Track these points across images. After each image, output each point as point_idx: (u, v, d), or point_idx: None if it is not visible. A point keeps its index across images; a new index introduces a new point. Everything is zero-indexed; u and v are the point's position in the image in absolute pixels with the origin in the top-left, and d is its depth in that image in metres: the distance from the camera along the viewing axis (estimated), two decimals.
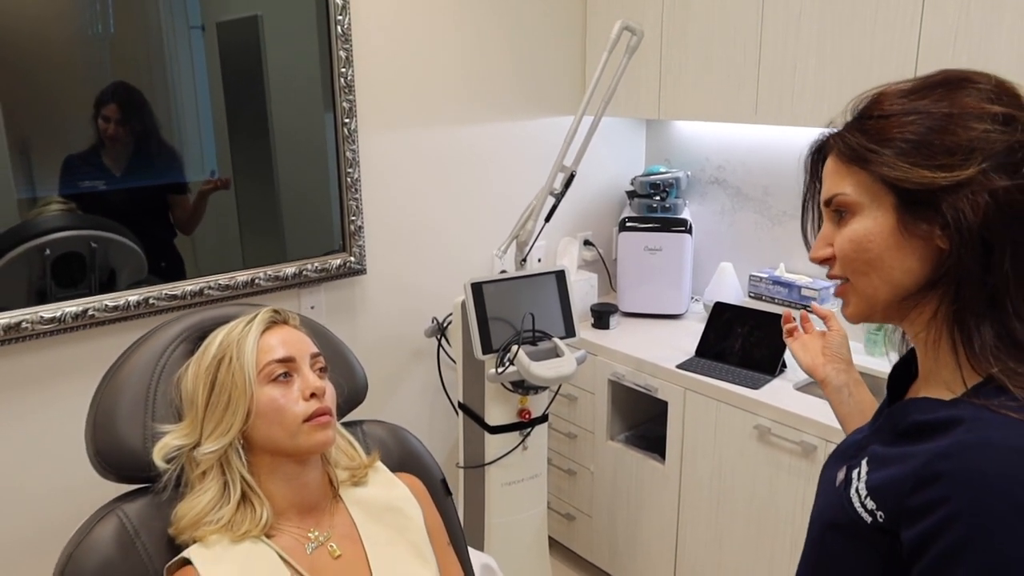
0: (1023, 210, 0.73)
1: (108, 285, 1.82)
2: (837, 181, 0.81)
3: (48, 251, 1.74)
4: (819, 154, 0.87)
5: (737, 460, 2.13)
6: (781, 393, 2.08)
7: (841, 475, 0.83)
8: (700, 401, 2.19)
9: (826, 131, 0.85)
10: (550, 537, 2.53)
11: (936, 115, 0.75)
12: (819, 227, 0.87)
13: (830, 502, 0.83)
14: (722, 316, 2.37)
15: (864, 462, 0.80)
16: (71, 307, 1.74)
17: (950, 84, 0.77)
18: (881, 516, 0.74)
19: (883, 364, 2.23)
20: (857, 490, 0.78)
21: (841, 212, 0.81)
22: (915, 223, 0.75)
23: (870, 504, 0.76)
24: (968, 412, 0.72)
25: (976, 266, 0.73)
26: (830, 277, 0.84)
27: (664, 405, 2.30)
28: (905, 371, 0.90)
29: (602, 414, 2.49)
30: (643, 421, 2.58)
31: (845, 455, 0.87)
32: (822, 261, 0.84)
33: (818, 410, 1.97)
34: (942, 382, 0.79)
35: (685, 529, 2.30)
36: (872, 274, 0.79)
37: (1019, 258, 0.73)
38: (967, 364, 0.75)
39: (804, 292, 2.36)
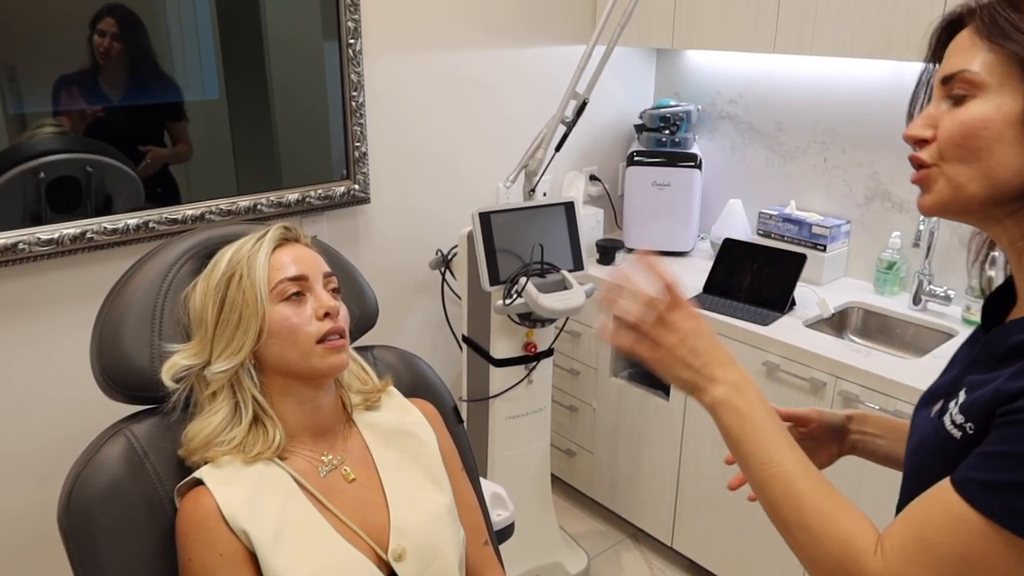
0: None
1: (104, 211, 1.76)
2: (967, 57, 0.73)
3: (42, 174, 1.69)
4: (951, 27, 0.78)
5: None
6: (790, 329, 2.06)
7: (937, 406, 0.79)
8: None
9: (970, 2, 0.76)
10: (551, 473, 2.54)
11: None
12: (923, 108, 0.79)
13: (924, 432, 0.80)
14: (731, 253, 2.33)
15: (962, 392, 0.75)
16: (69, 229, 1.69)
17: None
18: (970, 427, 0.71)
19: (894, 304, 2.21)
20: (951, 414, 0.74)
21: (958, 95, 0.73)
22: None
23: (959, 419, 0.72)
24: None
25: None
26: (914, 159, 0.77)
27: None
28: (999, 301, 0.83)
29: (606, 350, 2.47)
30: None
31: (939, 392, 0.82)
32: (917, 142, 0.77)
33: (827, 347, 1.96)
34: None
35: (687, 466, 2.31)
36: (973, 164, 0.72)
37: None
38: None
39: (815, 230, 2.32)
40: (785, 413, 1.06)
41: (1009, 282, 0.80)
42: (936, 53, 0.79)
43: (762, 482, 0.79)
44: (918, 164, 0.77)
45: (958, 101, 0.73)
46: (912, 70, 2.16)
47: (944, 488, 0.69)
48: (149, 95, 1.79)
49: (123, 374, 1.11)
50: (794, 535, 0.76)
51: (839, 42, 2.00)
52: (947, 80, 0.74)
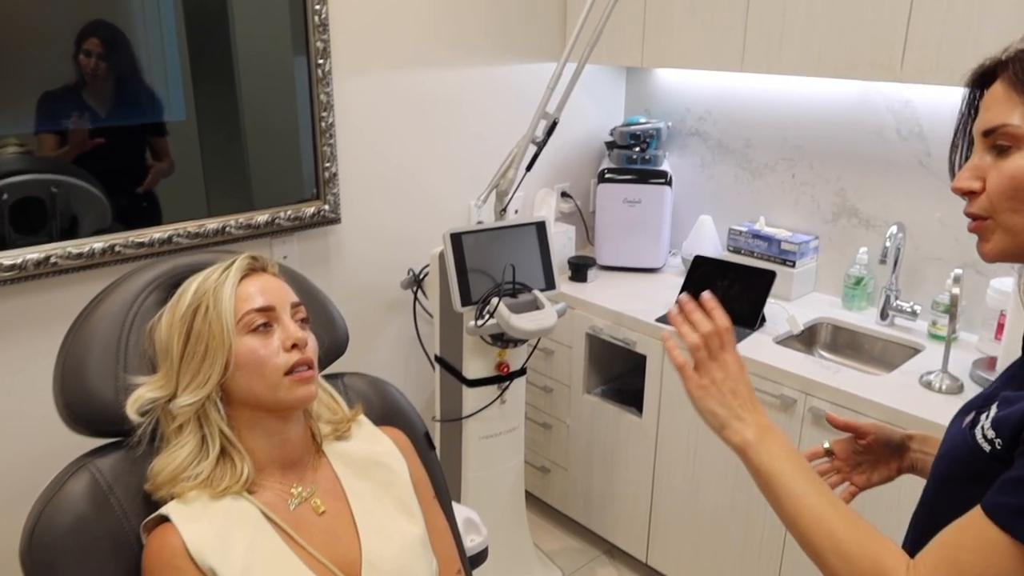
0: None
1: (69, 233, 1.73)
2: (1005, 110, 0.75)
3: (5, 195, 1.65)
4: (984, 78, 0.81)
5: None
6: (761, 347, 2.07)
7: (969, 418, 0.82)
8: None
9: (999, 54, 0.78)
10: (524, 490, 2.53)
11: None
12: (966, 158, 0.81)
13: (955, 441, 0.83)
14: (702, 269, 2.35)
15: (995, 406, 0.78)
16: (32, 253, 1.66)
17: None
18: (999, 443, 0.74)
19: (862, 319, 2.23)
20: (982, 427, 0.77)
21: (1002, 146, 0.76)
22: None
23: (990, 434, 0.75)
24: None
25: None
26: (969, 214, 0.79)
27: (640, 359, 2.28)
28: None
29: (579, 368, 2.47)
30: (619, 375, 2.57)
31: (973, 404, 0.86)
32: (966, 193, 0.79)
33: (797, 364, 1.97)
34: None
35: (661, 482, 2.31)
36: None
37: None
38: None
39: (784, 246, 2.35)
40: (843, 424, 1.11)
41: None
42: (972, 101, 0.82)
43: (794, 514, 0.83)
44: (973, 216, 0.80)
45: (1002, 152, 0.76)
46: (877, 89, 2.20)
47: (975, 514, 0.73)
48: (136, 111, 1.78)
49: (87, 409, 1.09)
50: (828, 561, 0.80)
51: (805, 61, 2.03)
52: (988, 133, 0.77)
